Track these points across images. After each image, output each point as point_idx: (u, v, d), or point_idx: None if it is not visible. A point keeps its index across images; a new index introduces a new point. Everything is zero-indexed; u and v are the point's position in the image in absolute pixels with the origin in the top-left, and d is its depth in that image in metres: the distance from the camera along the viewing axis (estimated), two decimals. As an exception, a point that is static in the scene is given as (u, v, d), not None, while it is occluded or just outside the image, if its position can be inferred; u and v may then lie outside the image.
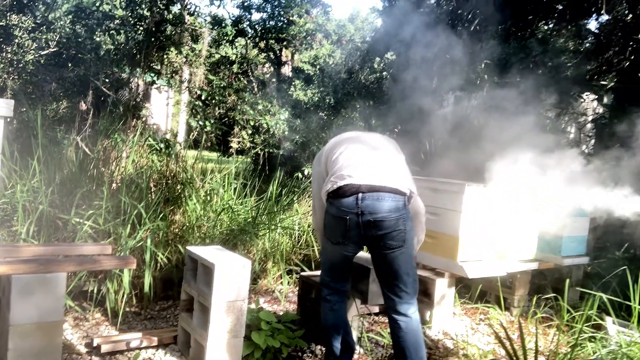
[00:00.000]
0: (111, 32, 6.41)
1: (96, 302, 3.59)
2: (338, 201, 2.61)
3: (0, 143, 2.34)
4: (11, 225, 3.64)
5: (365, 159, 2.71)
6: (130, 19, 6.49)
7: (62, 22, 6.64)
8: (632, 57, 5.92)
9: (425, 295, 3.91)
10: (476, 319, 4.20)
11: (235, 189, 5.02)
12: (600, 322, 3.29)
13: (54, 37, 5.99)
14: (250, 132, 8.22)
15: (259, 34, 10.19)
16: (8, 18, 5.46)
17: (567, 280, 3.63)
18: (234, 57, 10.80)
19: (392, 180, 2.64)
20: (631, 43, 5.90)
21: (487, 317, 4.23)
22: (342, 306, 2.90)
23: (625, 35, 6.01)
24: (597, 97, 6.17)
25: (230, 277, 2.72)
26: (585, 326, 3.10)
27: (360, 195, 2.57)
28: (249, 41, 10.53)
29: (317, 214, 2.96)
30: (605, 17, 6.78)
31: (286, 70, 12.71)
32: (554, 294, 4.11)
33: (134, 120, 6.20)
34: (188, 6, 7.29)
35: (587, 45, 7.44)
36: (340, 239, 2.67)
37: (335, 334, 2.84)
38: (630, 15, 6.08)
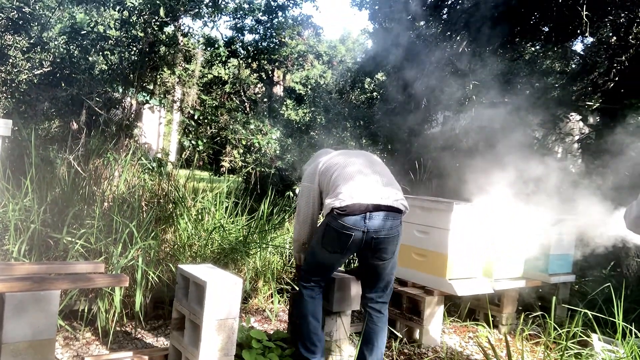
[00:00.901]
0: (105, 52, 6.48)
1: (87, 321, 3.59)
2: (345, 218, 2.77)
3: (-3, 163, 2.37)
4: (2, 244, 3.65)
5: (368, 179, 2.89)
6: (125, 40, 6.57)
7: (56, 42, 6.70)
8: (617, 79, 6.07)
9: (414, 313, 3.95)
10: (465, 337, 4.23)
11: (226, 208, 5.05)
12: (586, 339, 3.34)
13: (48, 57, 6.06)
14: (242, 151, 8.28)
15: (251, 55, 10.30)
16: (3, 38, 5.52)
17: (554, 298, 3.68)
18: (226, 77, 10.90)
19: (394, 200, 2.86)
20: (615, 65, 6.04)
21: (475, 334, 4.26)
22: (320, 297, 3.10)
23: (609, 57, 6.16)
24: (582, 117, 6.29)
25: (221, 295, 2.75)
26: (572, 343, 3.14)
27: (368, 214, 2.77)
28: (241, 62, 10.63)
29: (302, 227, 3.13)
30: (590, 40, 6.95)
31: (278, 90, 12.83)
32: (541, 312, 4.16)
33: (126, 139, 6.24)
34: (182, 27, 7.39)
35: (573, 66, 7.61)
36: (339, 249, 2.88)
37: (315, 322, 3.03)
38: (615, 38, 6.25)
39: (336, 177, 2.91)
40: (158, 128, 14.47)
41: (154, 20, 6.65)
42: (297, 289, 3.16)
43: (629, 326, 3.01)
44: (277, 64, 11.25)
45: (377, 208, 2.79)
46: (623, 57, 5.94)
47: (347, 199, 2.78)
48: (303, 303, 3.06)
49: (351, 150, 3.27)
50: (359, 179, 2.87)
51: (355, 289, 3.32)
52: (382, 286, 3.07)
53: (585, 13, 5.60)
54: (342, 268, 3.56)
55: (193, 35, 8.60)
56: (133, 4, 6.72)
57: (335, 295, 3.30)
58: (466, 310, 4.43)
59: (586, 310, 3.25)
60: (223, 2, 8.31)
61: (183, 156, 7.12)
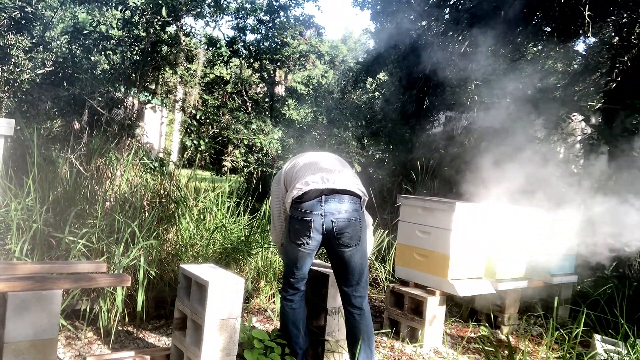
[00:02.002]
0: (107, 52, 6.48)
1: (89, 320, 3.59)
2: (303, 205, 2.89)
3: (0, 161, 2.37)
4: (5, 243, 3.66)
5: (324, 168, 3.02)
6: (127, 39, 6.57)
7: (58, 42, 6.71)
8: (619, 79, 6.06)
9: (416, 313, 3.94)
10: (467, 337, 4.23)
11: (228, 207, 5.05)
12: (588, 339, 3.34)
13: (51, 56, 6.07)
14: (243, 151, 8.28)
15: (253, 55, 10.30)
16: (6, 38, 5.53)
17: (556, 298, 3.67)
18: (228, 77, 10.90)
19: (350, 185, 2.97)
20: (618, 65, 6.04)
21: (477, 335, 4.26)
22: (301, 304, 3.14)
23: (612, 57, 6.16)
24: (584, 118, 6.28)
25: (223, 294, 2.75)
26: (574, 344, 3.14)
27: (323, 197, 2.88)
28: (243, 61, 10.63)
29: (277, 229, 3.25)
30: (592, 40, 6.95)
31: (280, 90, 12.84)
32: (544, 312, 4.15)
33: (128, 139, 6.24)
34: (184, 27, 7.39)
35: (575, 66, 7.60)
36: (304, 238, 2.93)
37: (295, 330, 3.10)
38: (617, 38, 6.24)
39: (295, 173, 3.05)
40: (160, 128, 14.49)
41: (156, 20, 6.65)
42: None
43: (631, 326, 3.01)
44: (278, 63, 11.25)
45: (333, 192, 2.90)
46: (625, 58, 5.93)
47: (303, 187, 2.90)
48: (283, 313, 3.12)
49: (317, 152, 3.36)
50: (313, 169, 2.99)
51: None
52: (356, 279, 3.01)
53: (587, 13, 5.59)
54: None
55: (195, 35, 8.60)
56: (135, 3, 6.72)
57: (329, 291, 3.32)
58: (468, 310, 4.42)
59: (589, 311, 3.25)
60: (225, 2, 8.32)
61: (185, 156, 7.12)
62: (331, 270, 3.39)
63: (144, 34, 6.65)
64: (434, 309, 3.90)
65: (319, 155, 3.20)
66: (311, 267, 3.47)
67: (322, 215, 2.87)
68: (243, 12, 10.32)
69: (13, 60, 5.62)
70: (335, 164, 3.11)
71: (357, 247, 2.96)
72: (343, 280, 3.04)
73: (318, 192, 2.89)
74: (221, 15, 8.63)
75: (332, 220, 2.89)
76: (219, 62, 10.27)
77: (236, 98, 10.01)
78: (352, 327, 3.04)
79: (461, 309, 4.60)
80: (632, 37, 5.85)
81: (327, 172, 2.98)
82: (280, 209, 3.19)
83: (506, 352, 3.79)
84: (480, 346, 3.95)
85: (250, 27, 10.76)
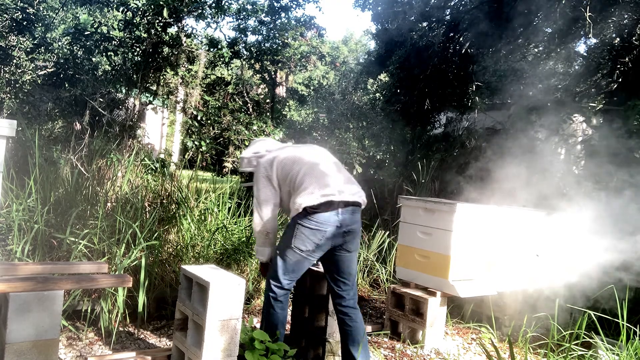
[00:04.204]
0: (108, 53, 6.49)
1: (90, 321, 3.59)
2: (319, 215, 2.89)
3: (1, 163, 2.38)
4: (6, 244, 3.66)
5: (336, 177, 3.03)
6: (128, 40, 6.58)
7: (60, 43, 6.72)
8: (620, 80, 6.05)
9: (417, 314, 3.94)
10: (468, 339, 4.23)
11: (229, 208, 5.05)
12: (590, 340, 3.33)
13: (52, 57, 6.08)
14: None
15: (254, 56, 10.30)
16: (7, 39, 5.54)
17: (557, 300, 3.67)
18: (229, 78, 10.90)
19: (358, 195, 3.05)
20: (619, 66, 6.03)
21: (478, 336, 4.26)
22: (287, 302, 3.16)
23: (613, 58, 6.15)
24: (584, 119, 6.27)
25: (224, 295, 2.75)
26: (575, 345, 3.14)
27: (340, 210, 2.93)
28: (244, 62, 10.64)
29: (264, 217, 3.10)
30: (593, 41, 6.94)
31: (281, 91, 12.84)
32: (545, 313, 4.14)
33: (130, 140, 6.25)
34: (185, 28, 7.40)
35: (576, 67, 7.60)
36: (311, 246, 2.93)
37: (283, 331, 3.12)
38: (618, 39, 6.23)
39: (304, 174, 2.99)
40: (161, 129, 14.49)
41: (157, 21, 6.66)
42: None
43: (632, 327, 3.00)
44: (280, 64, 11.26)
45: (347, 204, 2.96)
46: (626, 59, 5.92)
47: (320, 198, 2.90)
48: (273, 314, 3.07)
49: (303, 145, 3.31)
50: (328, 178, 2.99)
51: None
52: (352, 280, 3.11)
53: (588, 14, 5.59)
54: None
55: (196, 36, 8.60)
56: (137, 4, 6.73)
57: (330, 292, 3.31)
58: (469, 311, 4.42)
59: (590, 312, 3.25)
60: (226, 3, 8.33)
61: (186, 157, 7.12)
62: None
63: (145, 35, 6.66)
64: (435, 310, 3.90)
65: (315, 155, 3.15)
66: (311, 268, 3.46)
67: (337, 227, 2.92)
68: (244, 13, 10.33)
69: (14, 61, 5.63)
70: (339, 170, 3.12)
71: (356, 252, 3.11)
72: (341, 282, 3.09)
73: (335, 205, 2.92)
74: (222, 16, 8.64)
75: (344, 232, 2.96)
76: (220, 63, 10.28)
77: (237, 99, 10.02)
78: (352, 327, 3.08)
79: (462, 310, 4.59)
80: (633, 38, 5.85)
81: (340, 182, 3.01)
82: (271, 197, 3.09)
83: (507, 353, 3.79)
84: (482, 347, 3.95)
85: (251, 28, 10.77)
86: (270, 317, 3.09)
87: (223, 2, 7.83)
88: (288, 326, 4.02)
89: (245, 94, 10.21)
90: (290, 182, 3.03)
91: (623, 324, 3.01)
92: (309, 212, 2.90)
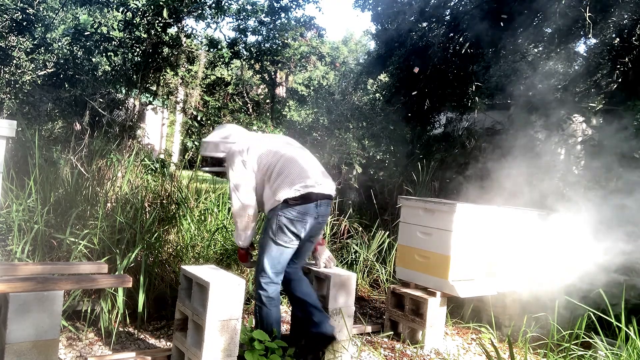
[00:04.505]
0: (108, 53, 6.49)
1: (90, 321, 3.59)
2: (300, 207, 2.99)
3: (1, 163, 2.38)
4: (6, 244, 3.66)
5: (314, 170, 3.11)
6: (128, 41, 6.58)
7: (60, 44, 6.72)
8: (620, 80, 6.05)
9: (417, 314, 3.94)
10: (468, 339, 4.23)
11: (229, 208, 5.05)
12: (590, 340, 3.33)
13: (52, 58, 6.08)
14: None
15: (254, 56, 10.30)
16: (7, 39, 5.54)
17: (557, 301, 3.67)
18: (229, 79, 10.91)
19: (332, 188, 3.18)
20: (619, 66, 6.03)
21: (478, 336, 4.26)
22: (279, 300, 3.20)
23: (612, 58, 6.15)
24: (584, 119, 6.27)
25: (224, 295, 2.75)
26: (575, 345, 3.14)
27: (318, 202, 3.04)
28: (244, 63, 10.65)
29: (249, 198, 3.11)
30: (593, 41, 6.94)
31: (281, 91, 12.84)
32: (545, 313, 4.14)
33: (129, 140, 6.26)
34: (185, 28, 7.40)
35: (576, 68, 7.60)
36: (293, 237, 3.03)
37: (279, 328, 3.14)
38: (618, 39, 6.23)
39: (283, 165, 3.05)
40: (161, 129, 14.49)
41: (157, 21, 6.66)
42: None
43: (625, 329, 3.00)
44: (279, 65, 11.27)
45: (324, 197, 3.08)
46: (626, 59, 5.93)
47: (301, 189, 2.98)
48: (268, 313, 3.08)
49: (277, 136, 3.38)
50: (307, 170, 3.06)
51: (353, 286, 3.34)
52: (303, 263, 3.35)
53: (588, 14, 5.59)
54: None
55: (196, 37, 8.61)
56: (136, 5, 6.74)
57: (330, 292, 3.32)
58: (469, 311, 4.42)
59: (590, 312, 3.25)
60: (226, 4, 8.33)
61: (186, 157, 7.12)
62: (332, 272, 3.40)
63: (145, 36, 6.66)
64: (435, 310, 3.90)
65: (291, 147, 3.21)
66: (312, 269, 3.48)
67: (315, 218, 3.04)
68: (244, 13, 10.34)
69: (14, 61, 5.63)
70: (314, 162, 3.20)
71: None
72: (295, 268, 3.23)
73: (314, 196, 3.01)
74: (222, 16, 8.65)
75: (319, 222, 3.10)
76: (220, 63, 10.28)
77: (237, 99, 10.02)
78: (300, 276, 3.24)
79: (462, 310, 4.59)
80: (633, 38, 5.85)
81: (314, 172, 3.09)
82: (250, 182, 3.09)
83: (507, 353, 3.79)
84: (481, 347, 3.95)
85: (251, 29, 10.78)
86: (265, 317, 3.09)
87: (223, 2, 7.83)
88: (288, 326, 4.02)
89: (245, 94, 10.21)
90: (267, 172, 3.07)
91: (619, 326, 3.01)
92: (290, 203, 2.97)
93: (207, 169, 3.34)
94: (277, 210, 2.99)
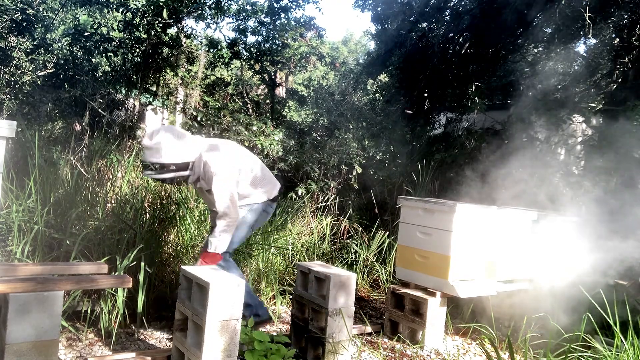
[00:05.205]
0: (108, 54, 6.49)
1: (90, 322, 3.59)
2: (272, 205, 3.71)
3: (1, 163, 2.38)
4: (6, 245, 3.66)
5: (273, 177, 3.78)
6: (128, 41, 6.58)
7: (59, 44, 6.72)
8: (620, 80, 6.06)
9: (417, 315, 3.94)
10: (467, 339, 4.23)
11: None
12: (589, 341, 3.33)
13: (52, 58, 6.08)
14: (244, 152, 8.23)
15: (254, 56, 10.29)
16: (7, 40, 5.54)
17: (557, 300, 3.67)
18: (229, 79, 10.89)
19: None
20: (618, 66, 6.04)
21: (478, 336, 4.25)
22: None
23: (612, 58, 6.16)
24: (584, 119, 6.28)
25: (224, 296, 2.75)
26: (575, 345, 3.14)
27: (276, 202, 3.80)
28: (244, 63, 10.64)
29: (235, 207, 3.39)
30: (593, 41, 6.95)
31: (280, 91, 12.82)
32: (545, 314, 4.14)
33: (129, 140, 6.25)
34: (185, 29, 7.40)
35: (576, 68, 7.60)
36: (259, 225, 3.81)
37: (253, 294, 3.65)
38: (617, 40, 6.24)
39: (261, 169, 3.64)
40: (161, 129, 14.44)
41: (157, 22, 6.66)
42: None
43: (616, 331, 3.00)
44: (279, 65, 11.26)
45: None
46: (626, 59, 5.93)
47: (274, 192, 3.68)
48: (235, 272, 3.41)
49: (225, 140, 3.80)
50: (268, 173, 3.73)
51: (352, 286, 3.34)
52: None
53: (588, 15, 5.59)
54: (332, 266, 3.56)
55: (196, 37, 8.61)
56: (136, 5, 6.74)
57: (330, 292, 3.32)
58: (469, 312, 4.42)
59: (589, 313, 3.25)
60: (226, 4, 8.33)
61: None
62: (332, 272, 3.40)
63: (145, 36, 6.66)
64: (435, 311, 3.90)
65: (250, 153, 3.74)
66: (312, 269, 3.48)
67: (275, 213, 3.81)
68: (244, 13, 10.33)
69: (14, 62, 5.63)
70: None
71: None
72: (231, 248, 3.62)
73: (274, 197, 3.70)
74: (222, 17, 8.64)
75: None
76: (220, 63, 10.27)
77: (237, 100, 10.01)
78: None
79: (462, 310, 4.59)
80: (633, 38, 5.85)
81: (275, 181, 3.77)
82: (235, 191, 3.41)
83: (507, 353, 3.79)
84: (481, 348, 3.95)
85: (251, 29, 10.77)
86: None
87: (223, 2, 7.84)
88: (288, 326, 4.02)
89: (245, 95, 10.20)
90: (244, 175, 3.49)
91: (616, 326, 3.01)
92: (268, 202, 3.64)
93: (162, 175, 3.42)
94: (261, 205, 3.64)
